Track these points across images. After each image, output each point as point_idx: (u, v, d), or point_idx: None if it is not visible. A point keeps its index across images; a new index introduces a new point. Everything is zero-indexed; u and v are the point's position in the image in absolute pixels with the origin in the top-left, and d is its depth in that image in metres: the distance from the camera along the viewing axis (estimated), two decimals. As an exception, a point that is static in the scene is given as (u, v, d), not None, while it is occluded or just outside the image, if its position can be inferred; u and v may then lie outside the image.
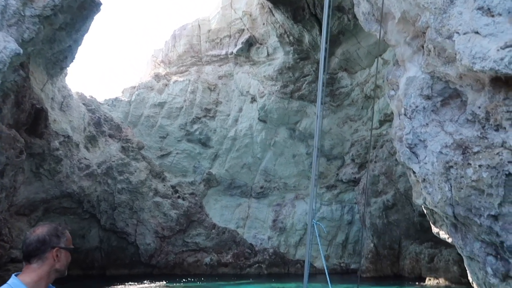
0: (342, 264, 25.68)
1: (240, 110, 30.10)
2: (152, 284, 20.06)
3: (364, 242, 24.58)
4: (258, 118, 29.26)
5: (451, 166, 11.50)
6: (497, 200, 10.47)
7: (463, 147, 11.32)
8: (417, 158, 12.88)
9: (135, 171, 26.69)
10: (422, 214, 23.48)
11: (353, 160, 27.85)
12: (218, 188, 28.59)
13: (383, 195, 24.34)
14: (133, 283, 20.72)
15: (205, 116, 29.37)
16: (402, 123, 13.44)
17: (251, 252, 26.81)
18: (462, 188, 11.30)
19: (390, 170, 24.77)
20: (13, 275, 1.96)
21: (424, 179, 12.48)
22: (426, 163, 12.18)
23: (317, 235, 3.22)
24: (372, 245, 23.46)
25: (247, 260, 26.54)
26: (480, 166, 10.73)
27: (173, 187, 27.87)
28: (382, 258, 23.32)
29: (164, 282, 20.57)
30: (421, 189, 13.13)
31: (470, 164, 11.02)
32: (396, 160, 25.20)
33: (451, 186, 11.62)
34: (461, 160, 11.23)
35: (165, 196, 27.27)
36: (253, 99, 29.95)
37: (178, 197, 27.68)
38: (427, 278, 19.08)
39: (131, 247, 26.71)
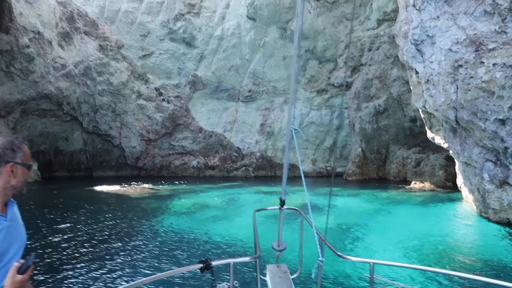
0: (328, 168, 25.95)
1: (227, 6, 27.56)
2: (139, 186, 19.99)
3: (352, 146, 24.52)
4: (247, 16, 26.96)
5: (461, 65, 10.46)
6: (508, 103, 9.69)
7: (477, 43, 10.14)
8: (422, 56, 11.74)
9: (116, 72, 25.10)
10: (412, 120, 23.10)
11: (345, 63, 26.51)
12: (204, 91, 27.42)
13: (375, 100, 23.61)
14: (120, 184, 20.63)
15: (189, 13, 26.90)
16: (409, 16, 11.99)
17: (238, 156, 26.75)
18: (469, 90, 10.42)
19: (385, 74, 23.69)
20: None
21: (427, 80, 11.51)
22: (432, 62, 11.09)
23: (295, 140, 3.12)
24: (360, 149, 23.39)
25: (234, 163, 26.59)
26: (494, 65, 9.70)
27: (157, 89, 26.59)
28: (369, 162, 23.46)
29: (151, 185, 20.51)
30: (423, 91, 12.23)
31: (483, 62, 9.97)
32: (391, 63, 23.99)
33: (457, 88, 10.72)
34: (473, 58, 10.15)
35: (149, 99, 26.14)
36: (242, -6, 27.27)
37: (163, 100, 26.58)
38: (413, 182, 19.33)
39: (117, 150, 26.34)
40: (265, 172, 25.97)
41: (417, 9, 10.89)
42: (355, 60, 26.04)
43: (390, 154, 23.15)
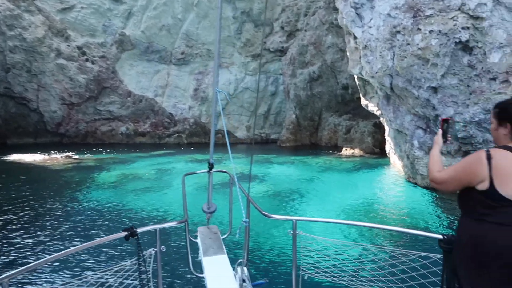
0: (262, 134, 25.87)
1: (157, -41, 25.36)
2: (59, 155, 18.24)
3: (286, 113, 24.55)
4: (179, -29, 25.10)
5: (398, 31, 10.45)
6: (441, 71, 9.92)
7: (415, 9, 10.13)
8: (361, 21, 11.59)
9: (30, 26, 22.20)
10: (345, 87, 23.55)
11: (282, 27, 26.06)
12: (133, 52, 25.46)
13: (309, 67, 23.60)
14: (39, 152, 18.69)
15: (114, -37, 24.33)
16: None
17: (171, 122, 25.60)
18: (406, 57, 10.51)
19: (320, 40, 23.64)
20: None
21: (365, 46, 11.44)
22: (371, 27, 10.98)
23: (219, 103, 3.40)
24: (294, 116, 23.48)
25: (166, 129, 25.44)
26: (430, 32, 9.80)
27: (79, 48, 24.11)
28: (302, 129, 23.70)
29: (75, 153, 18.84)
30: (360, 57, 12.19)
31: (420, 29, 10.02)
32: (326, 30, 23.97)
33: (394, 55, 10.76)
34: (410, 25, 10.16)
35: (70, 58, 23.66)
36: None
37: (86, 60, 24.24)
38: (344, 148, 19.88)
39: (34, 115, 23.82)
40: (199, 139, 25.22)
41: (357, -29, 10.57)
42: (291, 25, 25.68)
43: (323, 121, 23.57)
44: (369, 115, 22.76)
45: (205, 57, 26.30)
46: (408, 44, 9.36)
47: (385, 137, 14.74)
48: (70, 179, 13.06)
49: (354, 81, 22.68)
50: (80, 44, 24.11)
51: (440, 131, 2.40)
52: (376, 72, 10.31)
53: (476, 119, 8.44)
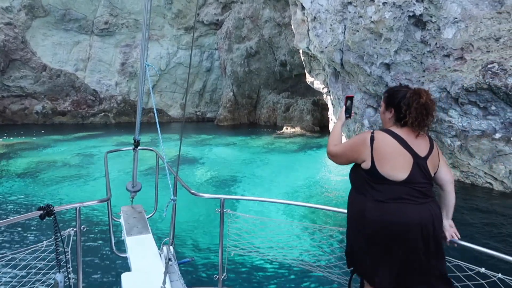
0: (198, 113, 24.51)
1: None
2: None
3: (223, 90, 23.35)
4: None
5: (350, 3, 9.72)
6: (395, 46, 9.42)
7: (367, -21, 9.49)
8: (310, -10, 10.71)
9: None
10: (283, 64, 22.84)
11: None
12: (47, 20, 22.31)
13: (246, 42, 22.50)
14: None
15: None
16: None
17: (95, 100, 23.15)
18: (358, 31, 9.87)
19: (257, 13, 22.54)
20: None
21: (314, 18, 10.62)
22: (320, -3, 10.17)
23: (149, 78, 3.05)
24: (231, 94, 22.39)
25: (91, 108, 22.98)
26: (384, 3, 9.23)
27: (-23, 12, 20.51)
28: (240, 107, 22.74)
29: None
30: (308, 30, 11.39)
31: (373, 1, 9.44)
32: (263, 3, 22.89)
33: (345, 28, 10.08)
34: None
35: (-33, 25, 20.06)
36: None
37: (-12, 27, 20.73)
38: (284, 127, 19.33)
39: None
40: (128, 118, 23.12)
41: None
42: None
43: (261, 99, 22.81)
44: (307, 93, 22.43)
45: (133, 28, 23.93)
46: (361, 16, 8.69)
47: (329, 116, 14.31)
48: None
49: (293, 58, 22.09)
50: (-21, 8, 20.51)
51: (343, 108, 2.54)
52: (326, 47, 9.57)
53: (431, 97, 8.11)
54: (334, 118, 12.73)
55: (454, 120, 7.86)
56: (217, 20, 24.42)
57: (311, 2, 9.81)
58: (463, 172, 8.27)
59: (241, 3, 23.23)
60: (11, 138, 16.84)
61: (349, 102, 2.53)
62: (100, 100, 23.17)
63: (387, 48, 8.44)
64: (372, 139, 2.11)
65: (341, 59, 9.44)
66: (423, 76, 8.17)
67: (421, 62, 8.26)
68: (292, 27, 12.07)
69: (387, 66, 8.62)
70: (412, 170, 2.06)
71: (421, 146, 2.12)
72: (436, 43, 8.06)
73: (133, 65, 23.52)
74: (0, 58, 21.03)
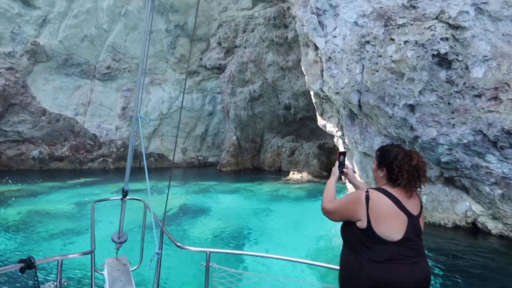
0: (200, 158, 23.77)
1: (79, -38, 22.63)
2: None
3: (226, 134, 22.76)
4: (105, -23, 22.58)
5: (368, 42, 9.27)
6: (419, 86, 8.83)
7: (385, 17, 9.08)
8: (323, 30, 10.33)
9: None
10: (287, 107, 22.44)
11: (219, 43, 24.53)
12: (49, 64, 22.13)
13: (250, 85, 22.25)
14: None
15: (26, -38, 21.14)
16: None
17: (95, 144, 22.48)
18: (377, 71, 9.34)
19: (260, 57, 22.49)
20: None
21: (329, 58, 10.13)
22: (335, 37, 9.67)
23: (141, 129, 3.34)
24: (234, 138, 21.77)
25: (89, 153, 22.25)
26: (405, 42, 8.75)
27: (-21, 57, 20.31)
28: (244, 151, 22.04)
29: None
30: (322, 71, 10.89)
31: (393, 39, 8.93)
32: (267, 47, 22.89)
33: (363, 68, 9.57)
34: (382, 34, 9.01)
35: (-33, 69, 19.78)
36: (98, -51, 22.68)
37: (-11, 71, 20.45)
38: (291, 172, 18.50)
39: None
40: (128, 163, 22.34)
41: (317, -26, 9.32)
42: (229, 41, 24.25)
43: (265, 142, 22.18)
44: (312, 137, 21.86)
45: (134, 72, 23.76)
46: (380, 56, 8.17)
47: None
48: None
49: (297, 101, 21.74)
50: (-20, 53, 20.32)
51: (337, 163, 2.60)
52: (342, 88, 9.00)
53: (465, 141, 7.39)
54: (355, 164, 11.98)
55: (493, 165, 7.12)
56: (220, 64, 24.34)
57: (325, 42, 9.36)
58: (507, 224, 7.40)
59: (244, 47, 23.24)
60: (5, 185, 15.95)
61: (342, 157, 2.57)
62: (99, 144, 22.50)
63: (410, 88, 7.84)
64: (367, 198, 2.11)
65: (359, 101, 8.83)
66: (453, 118, 7.52)
67: (449, 103, 7.64)
68: (303, 68, 11.62)
69: (411, 108, 7.98)
70: (407, 229, 2.08)
71: (413, 205, 2.16)
72: (464, 83, 7.47)
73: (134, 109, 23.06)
74: (-2, 103, 20.59)
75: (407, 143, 8.38)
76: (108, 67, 23.23)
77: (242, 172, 20.53)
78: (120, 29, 23.27)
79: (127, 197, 3.77)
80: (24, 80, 21.48)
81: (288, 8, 21.86)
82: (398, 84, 8.01)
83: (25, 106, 21.46)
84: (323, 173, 18.34)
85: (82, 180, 17.71)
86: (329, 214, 2.29)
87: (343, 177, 2.67)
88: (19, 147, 21.49)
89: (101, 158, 22.31)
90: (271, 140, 21.93)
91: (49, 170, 20.85)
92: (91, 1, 22.48)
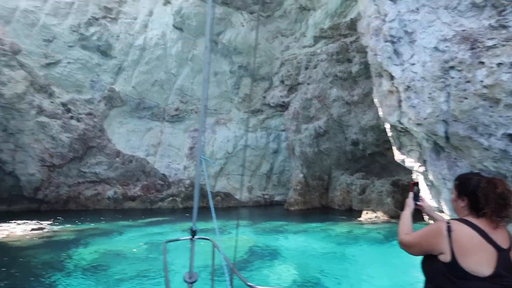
0: (266, 196, 23.39)
1: (150, 13, 24.45)
2: (30, 226, 15.45)
3: (292, 172, 22.28)
4: (173, 25, 24.07)
5: (453, 67, 8.54)
6: (519, 112, 7.94)
7: (471, 40, 8.35)
8: (399, 58, 9.75)
9: (9, 82, 20.35)
10: (354, 143, 21.58)
11: (282, 81, 24.66)
12: (123, 109, 23.60)
13: (315, 121, 21.83)
14: (8, 223, 15.93)
15: (104, 18, 23.24)
16: (382, 9, 9.97)
17: (164, 184, 23.11)
18: (466, 98, 8.50)
19: (324, 93, 22.13)
20: None
21: (407, 87, 9.46)
22: (413, 64, 9.01)
23: (205, 170, 3.51)
24: (301, 175, 21.20)
25: (159, 193, 22.87)
26: (499, 65, 7.93)
27: (64, 105, 22.18)
28: (311, 189, 21.32)
29: (50, 223, 16.09)
30: (400, 101, 10.24)
31: (483, 62, 8.14)
32: (330, 82, 22.53)
33: (449, 95, 8.78)
34: (469, 58, 8.25)
35: (54, 116, 21.62)
36: (167, 1, 24.40)
37: (71, 117, 22.21)
38: (364, 212, 17.37)
39: (9, 178, 21.19)
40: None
41: (391, 0, 8.89)
42: (291, 79, 24.31)
43: (333, 180, 21.32)
44: (383, 173, 20.62)
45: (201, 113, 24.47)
46: (468, 81, 7.35)
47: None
48: (34, 259, 10.32)
49: (365, 136, 20.83)
50: (65, 101, 22.20)
51: (411, 194, 2.47)
52: (425, 118, 8.20)
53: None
54: (443, 203, 10.85)
55: None
56: (283, 102, 24.34)
57: (402, 70, 8.73)
58: None
59: (308, 84, 23.09)
60: (83, 224, 16.68)
61: (416, 188, 2.48)
62: (168, 184, 23.09)
63: (509, 116, 6.91)
64: (449, 229, 1.99)
65: (446, 132, 7.98)
66: None
67: (559, 132, 6.58)
68: (375, 100, 10.98)
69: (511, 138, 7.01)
70: (497, 264, 1.91)
71: (502, 237, 1.99)
72: None
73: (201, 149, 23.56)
74: (79, 146, 22.11)
75: (508, 178, 7.32)
76: (176, 109, 24.21)
77: (311, 211, 19.73)
78: (187, 73, 24.37)
79: (196, 237, 3.84)
80: (101, 124, 22.99)
81: (352, 42, 21.55)
82: (493, 112, 7.10)
83: (102, 148, 22.82)
84: (399, 212, 16.99)
85: (152, 219, 18.05)
86: (407, 247, 2.17)
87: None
88: (96, 187, 22.68)
89: (170, 198, 22.79)
90: (339, 177, 21.03)
91: (123, 210, 21.63)
92: (160, 48, 23.95)
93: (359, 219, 16.74)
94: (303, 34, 24.66)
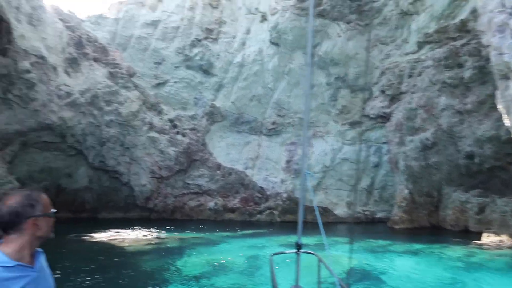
0: (367, 212, 22.16)
1: (248, 31, 25.28)
2: (141, 233, 16.73)
3: (396, 187, 20.81)
4: (270, 41, 24.52)
5: None
6: None
7: None
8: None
9: (126, 101, 22.65)
10: (469, 156, 19.32)
11: (383, 91, 23.36)
12: (223, 124, 24.60)
13: (421, 133, 20.17)
14: (123, 230, 17.50)
15: (206, 38, 24.68)
16: (508, 0, 8.84)
17: (262, 197, 23.35)
18: None
19: (431, 102, 20.38)
20: None
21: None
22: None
23: (309, 184, 3.65)
24: (406, 191, 19.66)
25: (257, 205, 23.15)
26: None
27: (171, 121, 23.92)
28: (418, 206, 19.60)
29: (158, 231, 17.26)
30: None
31: None
32: (438, 90, 20.68)
33: None
34: None
35: (162, 131, 23.42)
36: (264, 18, 25.01)
37: (177, 132, 23.82)
38: (486, 235, 15.30)
39: (125, 189, 23.40)
40: (294, 216, 22.29)
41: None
42: (393, 88, 22.90)
43: (444, 197, 19.33)
44: (506, 190, 18.07)
45: (298, 126, 24.38)
46: None
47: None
48: (144, 265, 11.02)
49: (481, 148, 18.54)
50: (172, 117, 23.95)
51: None
52: None
53: None
54: None
55: None
56: (385, 112, 23.00)
57: (538, 71, 7.49)
58: None
59: (412, 93, 21.53)
60: (186, 232, 17.55)
61: None
62: (266, 197, 23.28)
63: None
64: None
65: None
66: None
67: None
68: (500, 106, 9.68)
69: None
70: None
71: None
72: None
73: (298, 162, 23.40)
74: (184, 159, 23.56)
75: None
76: (273, 123, 24.46)
77: (418, 231, 18.11)
78: (284, 87, 24.53)
79: (302, 251, 3.86)
80: (203, 139, 24.23)
81: (463, 45, 19.59)
82: None
83: (204, 161, 23.99)
84: (529, 236, 14.65)
85: (251, 231, 18.26)
86: None
87: None
88: (198, 198, 23.84)
89: (268, 211, 22.92)
90: (451, 194, 18.99)
91: (223, 221, 22.33)
92: (258, 64, 24.55)
93: (478, 242, 14.78)
94: (405, 40, 23.18)
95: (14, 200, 1.89)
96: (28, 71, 19.39)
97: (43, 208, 1.94)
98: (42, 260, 2.00)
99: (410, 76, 22.30)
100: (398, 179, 20.52)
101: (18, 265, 1.83)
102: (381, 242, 15.02)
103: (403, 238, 16.07)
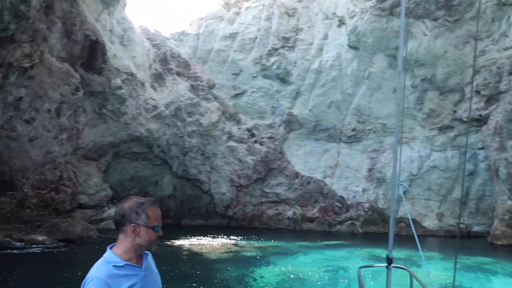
0: (461, 225, 20.05)
1: (325, 37, 24.71)
2: (222, 240, 16.93)
3: (496, 198, 18.55)
4: (348, 45, 23.67)
5: None
6: None
7: None
8: None
9: (206, 112, 23.47)
10: None
11: (478, 92, 21.15)
12: (300, 131, 24.23)
13: (526, 136, 17.79)
14: (204, 237, 17.95)
15: (283, 47, 24.64)
16: None
17: (342, 206, 22.42)
18: None
19: (538, 101, 17.91)
20: (108, 247, 2.07)
21: None
22: None
23: (403, 196, 3.59)
24: (510, 202, 17.40)
25: (337, 215, 22.26)
26: None
27: (249, 130, 24.20)
28: (524, 220, 17.24)
29: (237, 239, 17.36)
30: None
31: None
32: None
33: None
34: None
35: (240, 141, 23.79)
36: (341, 22, 24.25)
37: (255, 141, 24.00)
38: None
39: (206, 196, 24.13)
40: (376, 228, 21.05)
41: None
42: (490, 88, 20.64)
43: (558, 209, 16.75)
44: None
45: (380, 132, 23.09)
46: None
47: None
48: (223, 274, 11.00)
49: None
50: (249, 126, 24.21)
51: None
52: None
53: None
54: None
55: None
56: (480, 115, 20.77)
57: None
58: None
59: (513, 92, 19.16)
60: (264, 241, 17.40)
61: None
62: (347, 207, 22.32)
63: None
64: None
65: None
66: None
67: None
68: None
69: None
70: None
71: None
72: None
73: (381, 170, 22.12)
74: (262, 168, 23.61)
75: None
76: (353, 130, 23.48)
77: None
78: (363, 92, 23.47)
79: (392, 265, 3.66)
80: (281, 147, 24.08)
81: None
82: None
83: (282, 170, 23.79)
84: None
85: (331, 242, 17.52)
86: None
87: None
88: (276, 207, 23.66)
89: (349, 221, 21.92)
90: None
91: (301, 230, 21.84)
92: (336, 69, 23.82)
93: None
94: (504, 34, 20.85)
95: (127, 204, 2.09)
96: (120, 88, 21.06)
97: (147, 220, 2.06)
98: (149, 261, 2.18)
99: (510, 74, 19.96)
100: (499, 188, 18.26)
101: (127, 264, 2.00)
102: (481, 259, 13.36)
103: (507, 256, 14.13)
